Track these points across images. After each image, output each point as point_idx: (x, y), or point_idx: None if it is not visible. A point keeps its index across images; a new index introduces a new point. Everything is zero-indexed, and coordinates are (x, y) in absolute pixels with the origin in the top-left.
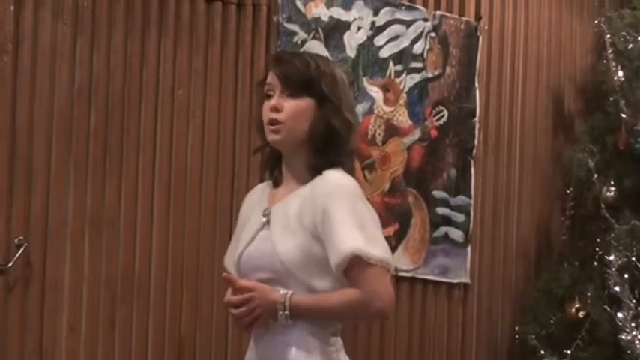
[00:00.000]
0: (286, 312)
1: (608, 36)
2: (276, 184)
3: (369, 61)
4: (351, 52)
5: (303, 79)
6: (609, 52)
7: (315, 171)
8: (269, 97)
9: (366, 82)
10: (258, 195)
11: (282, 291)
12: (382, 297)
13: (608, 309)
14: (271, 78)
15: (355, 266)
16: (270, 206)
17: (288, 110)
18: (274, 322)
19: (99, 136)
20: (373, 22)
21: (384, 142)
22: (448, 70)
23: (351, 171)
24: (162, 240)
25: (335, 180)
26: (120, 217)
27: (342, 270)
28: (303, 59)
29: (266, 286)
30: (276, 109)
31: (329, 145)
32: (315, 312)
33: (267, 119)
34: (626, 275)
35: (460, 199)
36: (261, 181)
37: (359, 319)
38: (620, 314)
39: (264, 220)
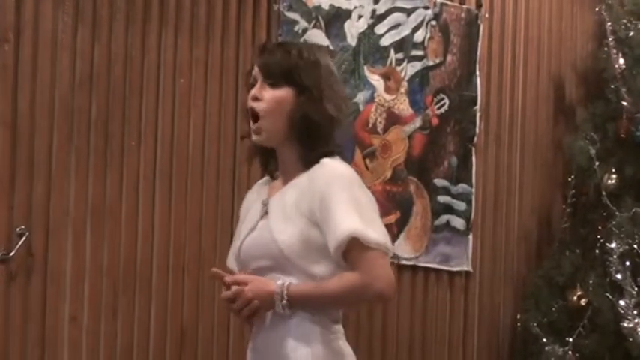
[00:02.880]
0: (284, 302)
1: (609, 23)
2: (273, 177)
3: (369, 49)
4: (352, 41)
5: (282, 68)
6: (610, 39)
7: (305, 162)
8: (252, 87)
9: (366, 71)
10: (257, 191)
11: (279, 281)
12: (382, 279)
13: (610, 297)
14: (255, 69)
15: (353, 250)
16: (268, 198)
17: (267, 101)
18: (273, 312)
19: (100, 126)
20: (374, 11)
21: (385, 131)
22: (449, 58)
23: (345, 161)
24: (164, 229)
25: (332, 167)
26: (121, 207)
27: (340, 253)
28: (285, 49)
29: (261, 277)
30: (255, 98)
31: (311, 137)
32: (314, 299)
33: (247, 108)
34: (627, 263)
35: (461, 187)
36: (262, 172)
37: (359, 302)
38: (621, 302)
39: (263, 210)
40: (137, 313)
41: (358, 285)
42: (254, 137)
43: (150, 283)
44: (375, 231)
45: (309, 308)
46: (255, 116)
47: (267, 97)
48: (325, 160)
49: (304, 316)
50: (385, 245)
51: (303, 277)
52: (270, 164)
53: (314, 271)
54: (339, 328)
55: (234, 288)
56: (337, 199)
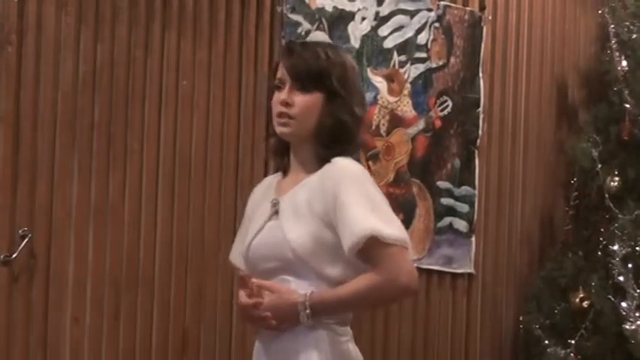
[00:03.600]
0: (307, 311)
1: (612, 26)
2: (285, 172)
3: (373, 51)
4: (355, 43)
5: (312, 73)
6: (613, 42)
7: (322, 160)
8: (279, 88)
9: (370, 73)
10: (265, 187)
11: (302, 291)
12: (406, 274)
13: (612, 299)
14: (281, 70)
15: (372, 248)
16: (278, 197)
17: (299, 106)
18: (295, 323)
19: (103, 127)
20: (377, 13)
21: (388, 133)
22: (452, 60)
23: (357, 160)
24: (167, 231)
25: (343, 166)
26: (124, 208)
27: (355, 252)
28: (313, 51)
29: (283, 287)
30: (286, 104)
31: (336, 139)
32: (338, 304)
33: (276, 112)
34: (630, 265)
35: (464, 190)
36: (265, 171)
37: (386, 301)
38: (624, 304)
39: (272, 210)
40: (139, 314)
41: (383, 282)
42: (280, 129)
43: (152, 285)
44: (391, 227)
45: (333, 314)
46: (285, 117)
47: (299, 102)
48: (336, 159)
49: (313, 319)
50: (404, 240)
51: (314, 279)
52: (285, 159)
53: (326, 272)
54: (348, 330)
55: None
56: (351, 198)
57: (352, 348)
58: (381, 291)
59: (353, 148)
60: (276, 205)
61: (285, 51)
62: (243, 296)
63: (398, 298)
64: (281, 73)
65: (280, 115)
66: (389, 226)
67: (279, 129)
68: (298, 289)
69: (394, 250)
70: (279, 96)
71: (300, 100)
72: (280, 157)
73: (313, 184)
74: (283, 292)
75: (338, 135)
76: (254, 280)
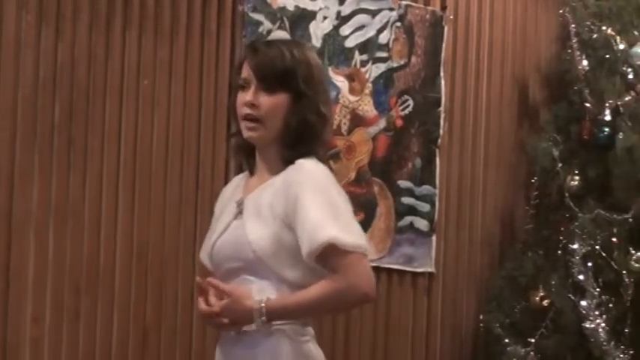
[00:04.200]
0: (263, 318)
1: (573, 25)
2: (252, 172)
3: (334, 50)
4: (317, 42)
5: (278, 73)
6: (574, 41)
7: (288, 161)
8: (243, 88)
9: (331, 72)
10: (234, 186)
11: (257, 297)
12: (364, 281)
13: (572, 297)
14: (246, 70)
15: (331, 255)
16: (244, 196)
17: (265, 107)
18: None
19: (63, 127)
20: (339, 12)
21: (349, 132)
22: (413, 59)
23: (323, 159)
24: (127, 230)
25: (307, 168)
26: (84, 208)
27: (314, 258)
28: (279, 51)
29: (243, 292)
30: (252, 105)
31: (301, 139)
32: (295, 311)
33: (242, 114)
34: (590, 264)
35: (425, 189)
36: (226, 171)
37: (343, 307)
38: (584, 303)
39: (237, 209)
40: (100, 314)
41: (341, 290)
42: (248, 133)
43: (112, 285)
44: (351, 234)
45: (291, 319)
46: (252, 120)
47: (265, 103)
48: (300, 161)
49: (272, 323)
50: (363, 247)
51: (275, 281)
52: (250, 158)
53: (286, 274)
54: (309, 330)
55: (211, 300)
56: (311, 203)
57: (313, 348)
58: (338, 298)
59: (319, 147)
60: (241, 204)
61: (249, 50)
62: (201, 303)
63: (355, 306)
64: (246, 73)
65: (247, 117)
66: (348, 232)
67: (247, 133)
68: (260, 289)
69: (353, 258)
70: (245, 97)
71: (267, 101)
72: (245, 156)
73: (277, 185)
74: (239, 296)
75: (304, 135)
76: (210, 279)
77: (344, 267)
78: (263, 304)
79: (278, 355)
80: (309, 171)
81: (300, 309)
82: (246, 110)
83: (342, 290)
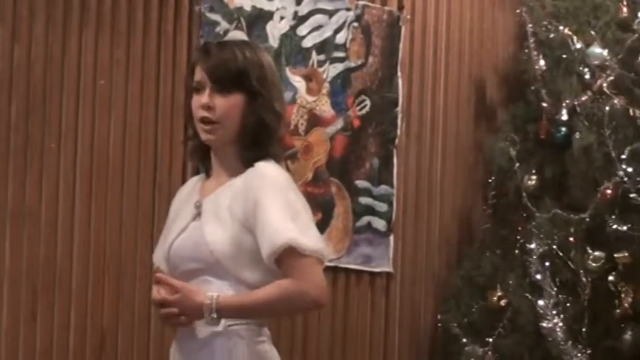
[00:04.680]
0: (213, 315)
1: (530, 25)
2: (208, 174)
3: (291, 50)
4: (274, 42)
5: (232, 74)
6: (531, 41)
7: (246, 161)
8: (198, 91)
9: (288, 72)
10: (190, 188)
11: (209, 293)
12: (316, 287)
13: (530, 297)
14: (200, 73)
15: (288, 257)
16: (201, 198)
17: (221, 109)
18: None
19: (20, 127)
20: (296, 12)
21: (306, 132)
22: (371, 59)
23: (280, 157)
24: (84, 231)
25: (267, 172)
26: (41, 209)
27: (273, 260)
28: (231, 52)
29: (193, 288)
30: (208, 108)
31: (258, 138)
32: (245, 310)
33: (198, 117)
34: (547, 263)
35: (383, 189)
36: (183, 172)
37: (293, 311)
38: (541, 302)
39: (195, 211)
40: (57, 315)
41: (292, 293)
42: (206, 136)
43: (70, 285)
44: (310, 238)
45: (241, 319)
46: (209, 122)
47: (220, 105)
48: (260, 164)
49: (229, 321)
50: (321, 252)
51: (234, 282)
52: (206, 162)
53: (245, 276)
54: (265, 331)
55: (164, 294)
56: (271, 205)
57: (269, 348)
58: (289, 302)
59: (276, 148)
60: (199, 207)
61: (201, 53)
62: (154, 291)
63: (305, 311)
64: (199, 76)
65: (204, 120)
66: (307, 236)
67: (204, 136)
68: (219, 290)
69: (308, 262)
70: (200, 100)
71: (222, 102)
72: (201, 159)
73: (236, 188)
74: (190, 291)
75: (261, 134)
76: (160, 275)
77: (298, 271)
78: (214, 300)
79: (234, 356)
80: (269, 174)
81: (250, 308)
82: (203, 113)
83: (291, 295)
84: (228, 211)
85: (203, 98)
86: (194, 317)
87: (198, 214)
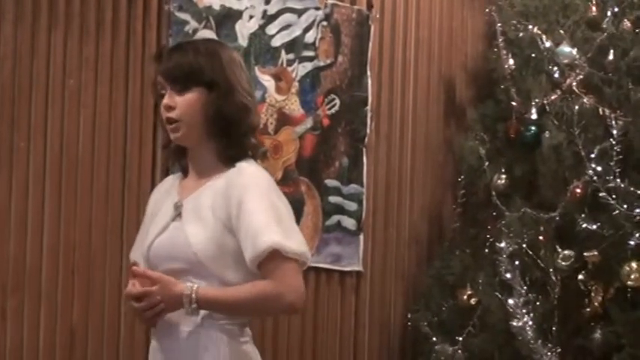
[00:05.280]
0: (193, 305)
1: (499, 24)
2: (185, 173)
3: (260, 49)
4: (243, 41)
5: (184, 71)
6: (500, 40)
7: (225, 159)
8: (162, 96)
9: (257, 71)
10: (168, 186)
11: (189, 284)
12: (294, 291)
13: (500, 296)
14: (159, 78)
15: (271, 260)
16: (181, 198)
17: (180, 106)
18: (179, 315)
19: None
20: (265, 11)
21: (276, 131)
22: (340, 58)
23: (256, 150)
24: (54, 230)
25: (249, 173)
26: (10, 207)
27: (257, 264)
28: (182, 50)
29: (171, 278)
30: (170, 108)
31: (227, 131)
32: (223, 305)
33: (164, 118)
34: (517, 262)
35: (352, 188)
36: (153, 172)
37: (270, 312)
38: (511, 301)
39: (175, 212)
40: (26, 313)
41: (270, 294)
42: (173, 135)
43: (39, 284)
44: (293, 241)
45: (218, 313)
46: (172, 122)
47: (179, 103)
48: (243, 165)
49: (212, 321)
50: (304, 255)
51: (215, 283)
52: (183, 160)
53: (227, 277)
54: (247, 331)
55: (141, 287)
56: (255, 207)
57: (251, 349)
58: (265, 303)
59: (248, 139)
60: (179, 207)
61: (157, 60)
62: (129, 285)
63: (280, 314)
64: (159, 80)
65: (168, 120)
66: (291, 239)
67: (172, 136)
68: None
69: (289, 266)
70: (163, 102)
71: (180, 101)
72: (178, 159)
73: (218, 189)
74: (168, 281)
75: (225, 126)
76: (136, 268)
77: (278, 274)
78: (193, 291)
79: (217, 352)
80: (251, 175)
81: (226, 303)
82: (166, 114)
83: (269, 296)
84: (210, 210)
85: (165, 99)
86: (173, 307)
87: (178, 215)
